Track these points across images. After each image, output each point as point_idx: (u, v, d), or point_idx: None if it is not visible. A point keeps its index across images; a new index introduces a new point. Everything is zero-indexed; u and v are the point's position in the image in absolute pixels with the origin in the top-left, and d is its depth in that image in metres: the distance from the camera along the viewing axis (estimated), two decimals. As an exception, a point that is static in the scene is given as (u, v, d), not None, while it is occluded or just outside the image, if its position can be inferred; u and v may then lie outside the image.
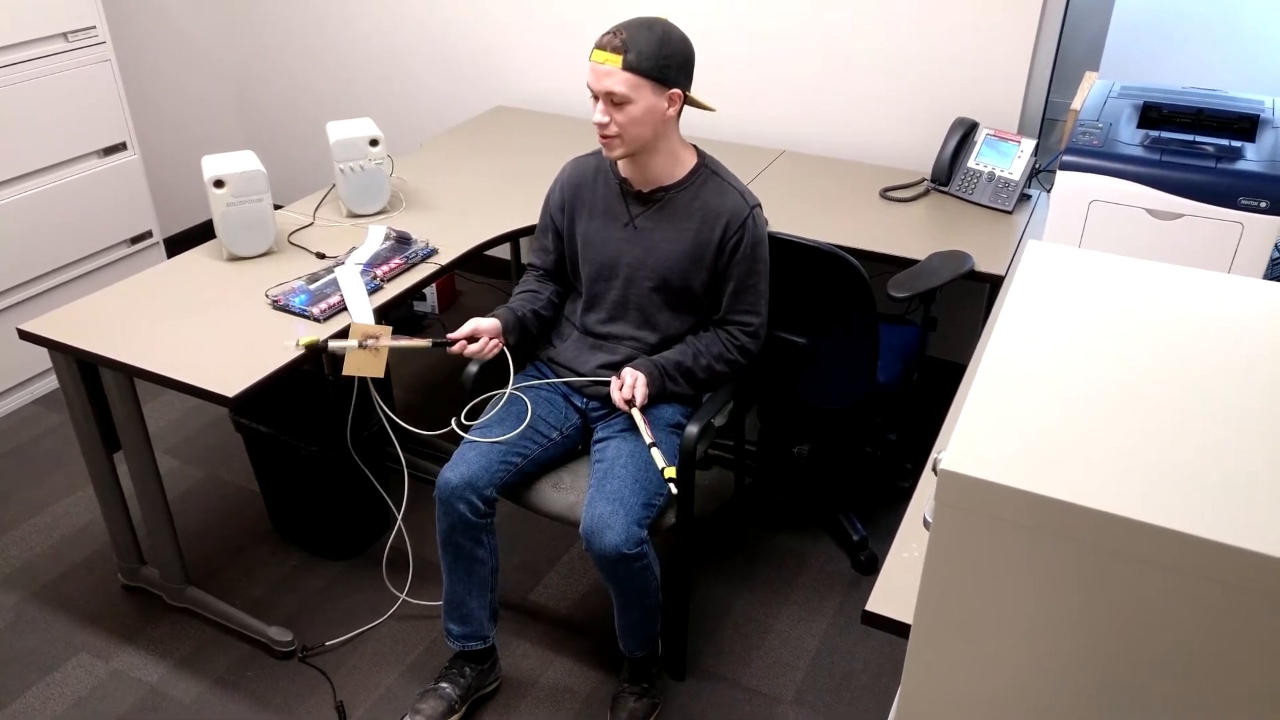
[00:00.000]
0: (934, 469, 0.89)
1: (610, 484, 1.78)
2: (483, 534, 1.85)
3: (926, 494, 1.39)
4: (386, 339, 1.91)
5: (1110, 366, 0.99)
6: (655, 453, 1.74)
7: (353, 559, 2.37)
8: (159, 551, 2.15)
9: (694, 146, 1.91)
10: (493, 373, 2.00)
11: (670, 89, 1.77)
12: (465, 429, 1.89)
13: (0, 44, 2.62)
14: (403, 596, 2.24)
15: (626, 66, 1.71)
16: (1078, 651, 0.89)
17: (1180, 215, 1.90)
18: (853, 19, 2.64)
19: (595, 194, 1.93)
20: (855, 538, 2.36)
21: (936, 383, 2.70)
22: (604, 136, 1.78)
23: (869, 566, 2.34)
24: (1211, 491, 0.83)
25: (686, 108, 1.84)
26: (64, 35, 2.77)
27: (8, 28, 2.63)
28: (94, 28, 2.83)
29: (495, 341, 1.91)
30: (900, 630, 1.17)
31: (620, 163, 1.89)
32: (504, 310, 1.96)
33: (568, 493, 1.91)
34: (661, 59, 1.73)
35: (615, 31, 1.73)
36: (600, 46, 1.74)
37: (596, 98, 1.76)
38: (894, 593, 1.23)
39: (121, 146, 2.99)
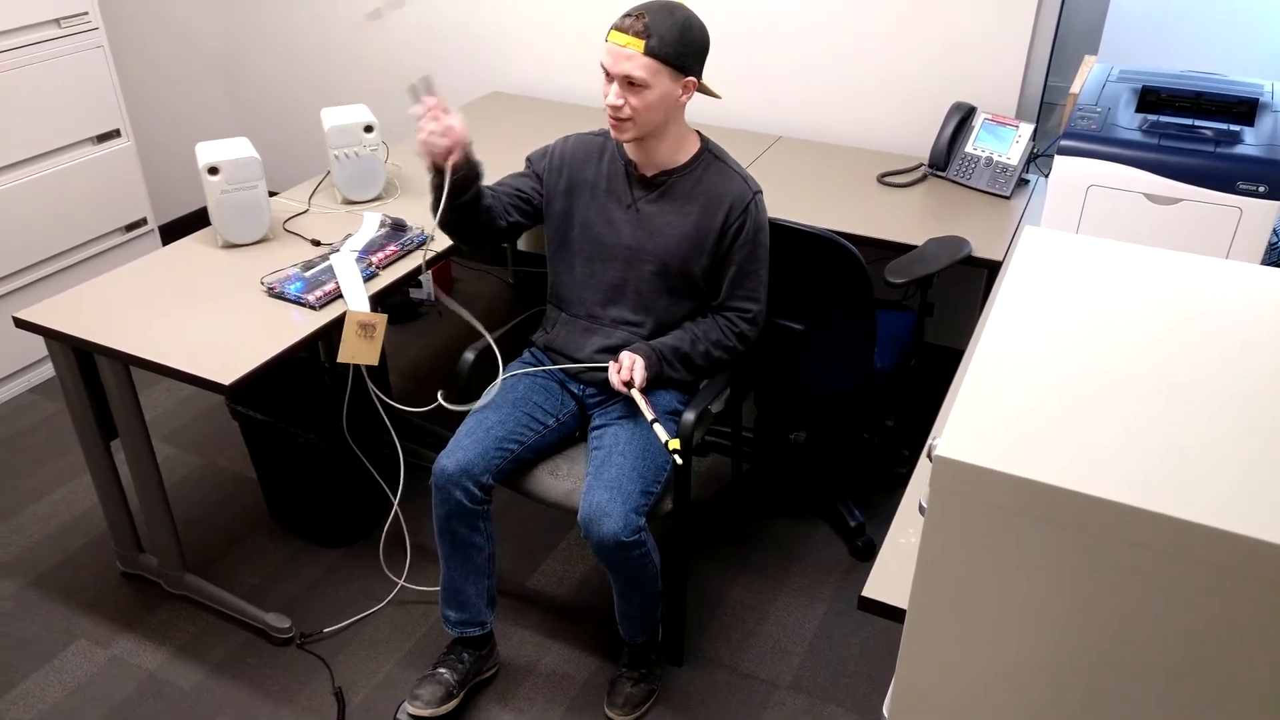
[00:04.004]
0: (929, 455, 0.89)
1: (608, 471, 1.78)
2: (479, 521, 1.85)
3: (923, 480, 1.39)
4: (382, 325, 1.91)
5: (1106, 352, 0.99)
6: (658, 428, 1.73)
7: (350, 546, 2.37)
8: (157, 539, 2.15)
9: (697, 131, 1.90)
10: (489, 359, 2.00)
11: (686, 77, 1.76)
12: (450, 405, 1.85)
13: (-8, 30, 2.61)
14: (400, 583, 2.24)
15: (648, 52, 1.69)
16: (1072, 636, 0.89)
17: (1178, 200, 1.90)
18: (853, 5, 2.63)
19: (599, 174, 1.92)
20: (852, 524, 2.37)
21: (934, 368, 2.69)
22: (616, 119, 1.77)
23: (866, 552, 2.35)
24: (1206, 477, 0.83)
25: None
26: (56, 21, 2.75)
27: (0, 14, 2.61)
28: (86, 14, 2.81)
29: (453, 142, 1.71)
30: (897, 616, 1.17)
31: (627, 145, 1.88)
32: (480, 165, 1.81)
33: (565, 480, 1.91)
34: (682, 46, 1.72)
35: (638, 14, 1.71)
36: (621, 29, 1.71)
37: (611, 79, 1.74)
38: (890, 578, 1.23)
39: (115, 133, 2.97)
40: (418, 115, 1.71)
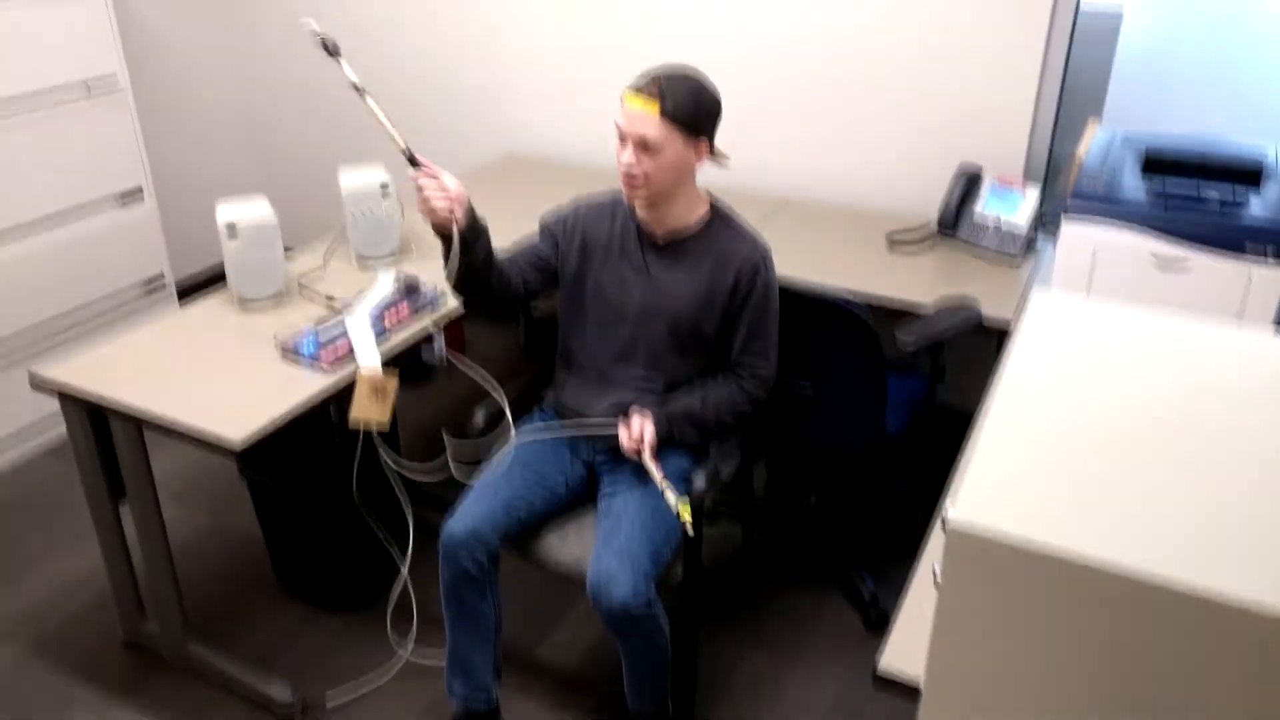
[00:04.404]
0: (943, 523, 0.87)
1: (617, 538, 1.76)
2: (487, 587, 1.82)
3: (936, 547, 1.37)
4: (394, 386, 1.92)
5: (1119, 418, 0.98)
6: (668, 494, 1.72)
7: (357, 612, 2.33)
8: (160, 605, 2.13)
9: (707, 193, 1.93)
10: (500, 419, 1.99)
11: (699, 140, 1.78)
12: (455, 448, 1.83)
13: (22, 91, 2.67)
14: (406, 653, 2.20)
15: (663, 114, 1.72)
16: (1095, 709, 0.87)
17: (1187, 263, 1.90)
18: (858, 68, 2.67)
19: (611, 235, 1.93)
20: (865, 593, 2.32)
21: (946, 432, 2.67)
22: (629, 181, 1.79)
23: (880, 622, 2.30)
24: (1225, 547, 0.81)
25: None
26: (85, 84, 2.82)
27: (30, 75, 2.68)
28: (114, 76, 2.88)
29: (453, 200, 1.72)
30: (912, 694, 1.14)
31: (638, 207, 1.90)
32: (484, 222, 1.83)
33: (574, 546, 1.89)
34: (696, 110, 1.75)
35: (654, 78, 1.74)
36: (636, 92, 1.74)
37: (625, 141, 1.77)
38: (905, 650, 1.20)
39: (137, 192, 3.03)
40: (415, 178, 1.73)
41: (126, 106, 2.93)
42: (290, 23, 3.48)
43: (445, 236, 1.77)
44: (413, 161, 1.73)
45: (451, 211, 1.73)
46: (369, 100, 1.73)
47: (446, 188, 1.73)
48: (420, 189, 1.73)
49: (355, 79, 1.74)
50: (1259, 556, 0.80)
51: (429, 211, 1.74)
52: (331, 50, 1.71)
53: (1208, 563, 0.80)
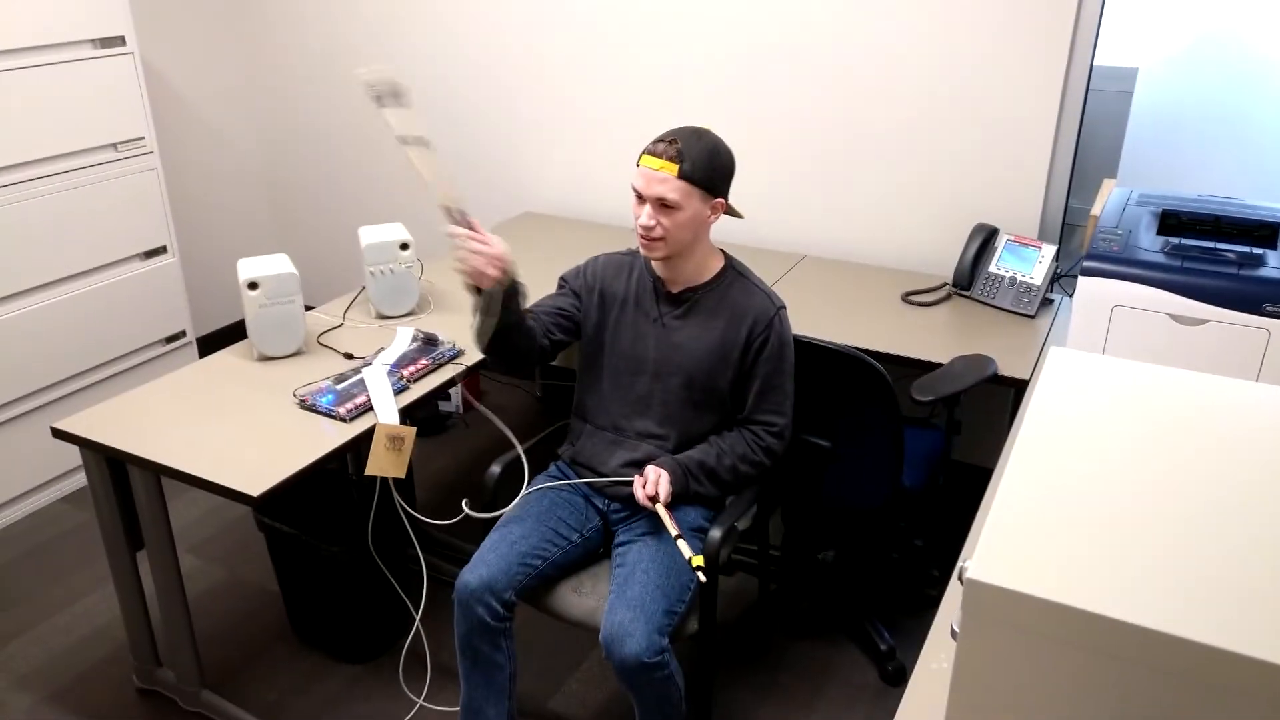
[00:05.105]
0: (960, 578, 0.87)
1: (631, 590, 1.75)
2: (501, 638, 1.81)
3: (953, 602, 1.35)
4: (411, 438, 1.93)
5: (1137, 475, 0.98)
6: (681, 544, 1.71)
7: (370, 661, 2.32)
8: (176, 653, 2.12)
9: (721, 250, 1.95)
10: (515, 473, 2.00)
11: (715, 198, 1.82)
12: (477, 515, 1.83)
13: (54, 153, 2.75)
14: (419, 702, 2.18)
15: (681, 175, 1.76)
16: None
17: (1204, 321, 1.90)
18: (873, 127, 2.72)
19: (628, 290, 1.96)
20: (883, 647, 2.29)
21: (963, 487, 2.66)
22: (648, 238, 1.82)
23: (897, 677, 2.27)
24: (1244, 604, 0.81)
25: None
26: (114, 146, 2.90)
27: (62, 138, 2.76)
28: (143, 139, 2.96)
29: (494, 259, 1.71)
30: (930, 748, 1.13)
31: (654, 262, 1.93)
32: (525, 286, 1.83)
33: (588, 597, 1.88)
34: (712, 170, 1.79)
35: (670, 140, 1.78)
36: (654, 154, 1.78)
37: (643, 200, 1.80)
38: (923, 707, 1.18)
39: (162, 250, 3.09)
40: (453, 235, 1.71)
41: (154, 168, 3.01)
42: (310, 86, 3.59)
43: (479, 293, 1.77)
44: (462, 222, 1.70)
45: (498, 278, 1.73)
46: (411, 153, 1.66)
47: (495, 255, 1.71)
48: (467, 251, 1.70)
49: (404, 132, 1.70)
50: (1279, 611, 0.80)
51: (475, 275, 1.72)
52: (386, 98, 1.68)
53: (1228, 618, 0.79)
